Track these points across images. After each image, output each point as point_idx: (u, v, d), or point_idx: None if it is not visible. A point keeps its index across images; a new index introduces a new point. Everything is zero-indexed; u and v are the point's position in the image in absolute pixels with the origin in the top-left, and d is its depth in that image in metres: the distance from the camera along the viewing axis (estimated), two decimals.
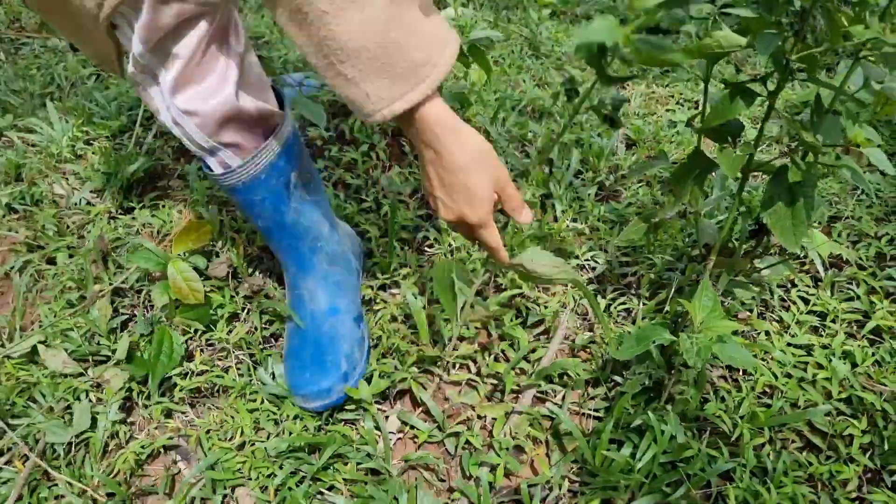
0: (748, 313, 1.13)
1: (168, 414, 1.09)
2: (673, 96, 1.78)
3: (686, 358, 0.85)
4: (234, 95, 0.90)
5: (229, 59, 0.89)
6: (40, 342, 1.16)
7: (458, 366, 1.07)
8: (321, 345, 1.06)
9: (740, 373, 1.07)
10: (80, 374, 1.13)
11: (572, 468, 0.99)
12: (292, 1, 0.68)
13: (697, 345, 0.86)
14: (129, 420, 1.10)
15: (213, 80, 0.89)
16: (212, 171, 0.97)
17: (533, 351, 1.08)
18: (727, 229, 0.95)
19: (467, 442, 1.00)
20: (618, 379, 1.04)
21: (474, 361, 1.07)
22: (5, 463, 1.05)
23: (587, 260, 1.22)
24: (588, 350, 1.10)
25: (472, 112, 1.49)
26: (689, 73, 1.84)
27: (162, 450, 1.07)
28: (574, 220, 1.29)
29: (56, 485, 1.02)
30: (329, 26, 0.68)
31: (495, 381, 1.06)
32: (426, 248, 1.23)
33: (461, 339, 1.09)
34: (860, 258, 1.19)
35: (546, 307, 1.13)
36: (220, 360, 1.12)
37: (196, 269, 1.14)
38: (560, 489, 0.97)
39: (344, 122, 1.37)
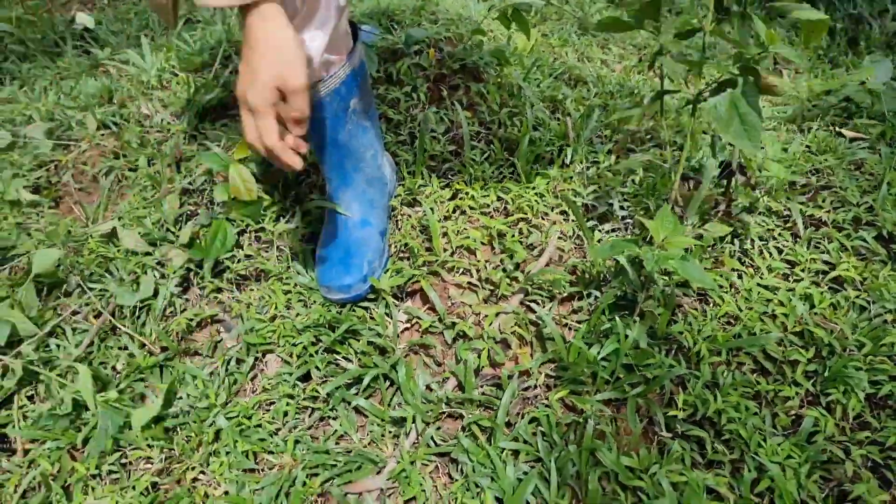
0: (722, 252, 1.27)
1: (218, 290, 1.29)
2: (702, 76, 1.91)
3: (645, 265, 1.00)
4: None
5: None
6: (119, 225, 1.38)
7: (461, 271, 1.24)
8: (350, 249, 1.25)
9: (710, 305, 1.21)
10: (148, 254, 1.34)
11: (550, 365, 1.15)
12: None
13: (656, 256, 1.01)
14: (185, 296, 1.31)
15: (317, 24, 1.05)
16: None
17: (528, 264, 1.24)
18: (686, 152, 1.10)
19: (463, 333, 1.17)
20: (598, 294, 1.19)
21: (476, 269, 1.24)
22: (83, 318, 1.27)
23: (591, 201, 1.38)
24: (577, 270, 1.25)
25: (508, 70, 1.66)
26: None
27: (209, 321, 1.28)
28: (587, 168, 1.45)
29: (120, 338, 1.23)
30: None
31: (492, 287, 1.23)
32: (450, 177, 1.40)
33: (467, 249, 1.26)
34: (838, 221, 1.32)
35: (544, 232, 1.29)
36: (265, 250, 1.32)
37: (252, 174, 1.34)
38: (537, 380, 1.13)
39: (392, 66, 1.55)
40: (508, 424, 1.10)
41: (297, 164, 0.95)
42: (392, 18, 1.72)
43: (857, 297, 1.19)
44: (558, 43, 2.01)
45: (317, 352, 1.17)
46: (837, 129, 1.57)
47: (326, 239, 1.27)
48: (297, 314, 1.22)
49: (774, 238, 1.30)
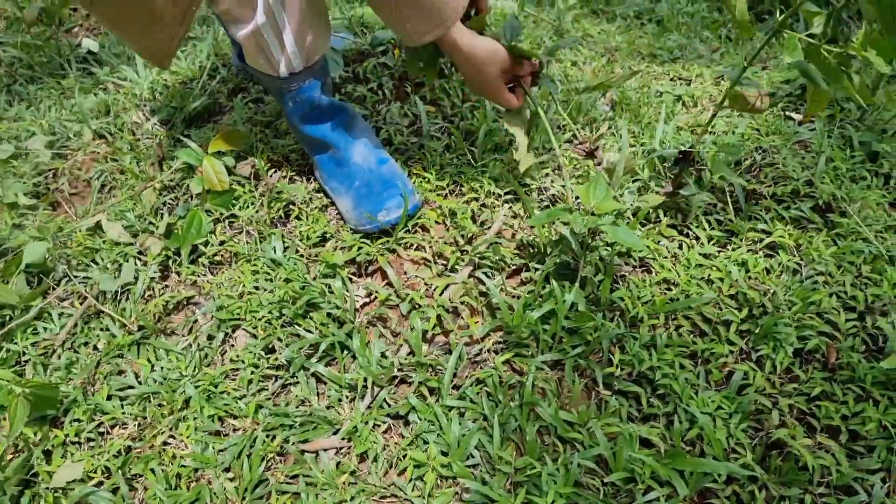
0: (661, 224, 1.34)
1: (194, 275, 1.38)
2: (668, 73, 1.98)
3: (575, 228, 1.07)
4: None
5: None
6: (104, 218, 1.48)
7: (415, 246, 1.32)
8: (387, 179, 1.35)
9: (653, 273, 1.28)
10: (131, 244, 1.44)
11: (498, 333, 1.22)
12: None
13: (586, 220, 1.09)
14: (164, 282, 1.40)
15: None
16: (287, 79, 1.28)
17: (478, 239, 1.32)
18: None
19: (417, 304, 1.25)
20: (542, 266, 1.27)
21: (430, 245, 1.32)
22: (69, 304, 1.37)
23: (546, 184, 1.45)
24: (524, 246, 1.32)
25: None
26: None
27: (185, 302, 1.36)
28: (543, 154, 1.52)
29: (103, 320, 1.32)
30: None
31: (444, 262, 1.30)
32: (409, 164, 1.49)
33: (422, 227, 1.34)
34: (778, 193, 1.38)
35: (495, 210, 1.37)
36: (236, 235, 1.41)
37: (226, 166, 1.44)
38: (484, 346, 1.20)
39: (359, 67, 1.65)
40: (457, 387, 1.17)
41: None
42: (364, 24, 1.83)
43: (790, 261, 1.25)
44: (530, 47, 2.11)
45: (280, 325, 1.25)
46: (787, 112, 1.63)
47: (359, 189, 1.36)
48: (264, 291, 1.30)
49: (717, 212, 1.37)
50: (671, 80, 1.96)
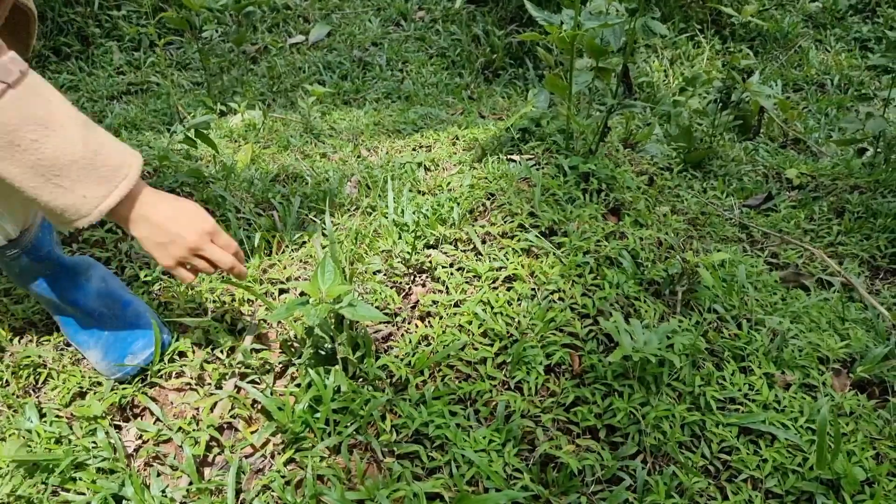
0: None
1: None
2: (410, 144, 2.12)
3: (307, 319, 1.11)
4: None
5: None
6: None
7: (176, 374, 1.30)
8: (132, 322, 1.31)
9: (411, 332, 1.34)
10: None
11: (277, 435, 1.22)
12: (4, 138, 0.88)
13: (318, 310, 1.13)
14: None
15: None
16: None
17: (237, 347, 1.32)
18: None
19: (187, 432, 1.22)
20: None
21: (190, 368, 1.30)
22: None
23: (303, 276, 1.49)
24: (288, 343, 1.34)
25: (219, 184, 1.77)
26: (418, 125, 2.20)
27: None
28: (294, 249, 1.57)
29: None
30: (41, 150, 0.90)
31: (208, 380, 1.29)
32: (160, 293, 1.47)
33: (180, 354, 1.33)
34: (507, 231, 1.50)
35: (250, 316, 1.39)
36: None
37: None
38: (264, 451, 1.20)
39: None
40: (244, 501, 1.15)
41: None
42: None
43: (526, 287, 1.36)
44: (278, 150, 2.17)
45: (46, 497, 1.18)
46: (510, 157, 1.79)
47: (106, 335, 1.31)
48: (22, 468, 1.22)
49: (459, 262, 1.46)
50: (413, 150, 2.09)
